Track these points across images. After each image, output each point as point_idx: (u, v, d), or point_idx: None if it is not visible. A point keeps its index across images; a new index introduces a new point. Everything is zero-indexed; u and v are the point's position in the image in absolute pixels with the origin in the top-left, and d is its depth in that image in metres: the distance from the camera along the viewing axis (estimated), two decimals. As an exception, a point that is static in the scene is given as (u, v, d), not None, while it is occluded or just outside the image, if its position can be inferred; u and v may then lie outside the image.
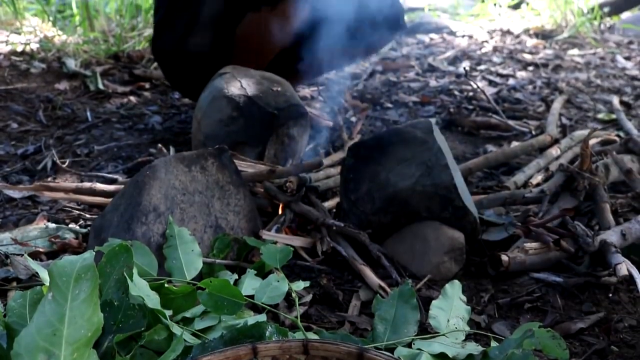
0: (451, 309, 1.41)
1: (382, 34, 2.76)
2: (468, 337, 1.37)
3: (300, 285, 1.52)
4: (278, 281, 1.47)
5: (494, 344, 1.33)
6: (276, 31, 2.43)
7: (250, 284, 1.49)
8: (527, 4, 5.88)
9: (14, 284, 1.57)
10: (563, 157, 2.44)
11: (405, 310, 1.35)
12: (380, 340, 1.31)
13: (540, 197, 1.98)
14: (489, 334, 1.38)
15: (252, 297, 1.42)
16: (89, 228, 1.82)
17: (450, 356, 1.27)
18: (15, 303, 1.20)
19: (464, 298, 1.46)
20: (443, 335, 1.33)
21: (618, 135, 2.74)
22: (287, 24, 2.38)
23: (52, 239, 1.77)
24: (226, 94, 2.13)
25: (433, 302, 1.42)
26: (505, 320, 1.54)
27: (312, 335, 1.30)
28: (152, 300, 1.22)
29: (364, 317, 1.52)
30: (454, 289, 1.46)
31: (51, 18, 4.04)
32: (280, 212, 1.87)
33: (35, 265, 1.34)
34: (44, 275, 1.27)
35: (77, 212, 2.00)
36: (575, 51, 4.72)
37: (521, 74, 4.04)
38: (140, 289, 1.22)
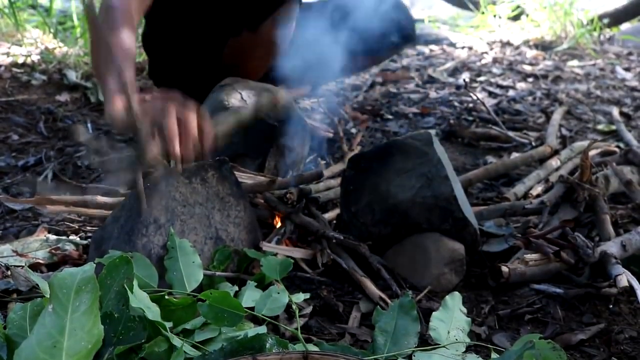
0: (451, 320, 1.41)
1: (394, 44, 2.79)
2: (468, 349, 1.37)
3: (300, 297, 1.52)
4: (278, 293, 1.47)
5: (494, 355, 1.33)
6: (262, 53, 2.43)
7: (250, 296, 1.49)
8: (527, 15, 5.90)
9: (14, 295, 1.57)
10: (563, 169, 2.44)
11: (406, 322, 1.35)
12: (381, 352, 1.30)
13: (540, 209, 1.98)
14: (490, 346, 1.38)
15: (252, 308, 1.42)
16: (89, 240, 1.82)
17: (451, 368, 1.27)
18: (16, 315, 1.20)
19: (464, 309, 1.45)
20: (443, 347, 1.33)
21: (618, 147, 2.74)
22: (273, 44, 2.38)
23: (53, 251, 1.77)
24: (226, 105, 2.14)
25: (433, 313, 1.42)
26: (505, 331, 1.54)
27: (312, 347, 1.30)
28: (152, 312, 1.22)
29: (364, 329, 1.51)
30: (454, 300, 1.46)
31: (52, 30, 4.05)
32: (279, 223, 1.87)
33: (35, 277, 1.34)
34: (45, 287, 1.27)
35: (78, 224, 2.00)
36: (575, 62, 4.73)
37: (521, 85, 4.05)
38: (141, 300, 1.22)
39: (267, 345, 1.19)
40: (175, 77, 2.63)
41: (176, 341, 1.22)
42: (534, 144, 2.85)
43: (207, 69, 2.47)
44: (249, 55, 2.44)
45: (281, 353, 1.14)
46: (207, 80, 2.40)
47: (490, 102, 3.59)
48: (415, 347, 1.31)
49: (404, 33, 2.85)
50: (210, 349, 1.26)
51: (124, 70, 1.52)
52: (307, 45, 2.22)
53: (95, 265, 1.17)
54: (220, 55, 2.47)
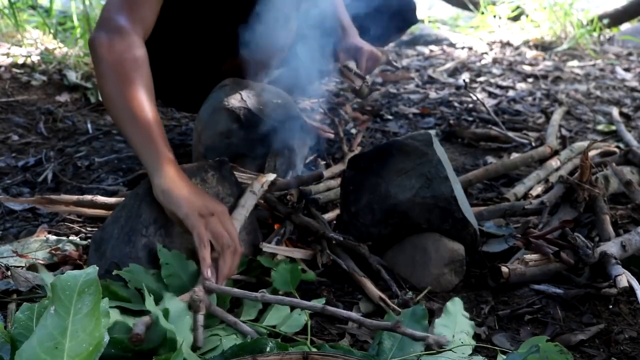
0: (455, 325, 1.41)
1: (395, 27, 2.78)
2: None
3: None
4: (299, 314, 1.47)
5: (499, 357, 1.33)
6: (259, 68, 2.44)
7: (274, 315, 1.49)
8: (527, 15, 5.90)
9: (14, 296, 1.57)
10: (563, 169, 2.44)
11: (415, 330, 1.35)
12: (385, 355, 1.30)
13: (540, 209, 1.98)
14: (494, 347, 1.38)
15: (274, 327, 1.44)
16: (89, 240, 1.82)
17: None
18: (23, 315, 1.20)
19: (467, 314, 1.46)
20: (450, 350, 1.32)
21: (618, 147, 2.74)
22: (272, 60, 2.38)
23: (53, 251, 1.77)
24: (226, 106, 2.14)
25: (436, 320, 1.42)
26: (505, 332, 1.54)
27: (312, 349, 1.30)
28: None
29: (364, 330, 1.51)
30: (455, 306, 1.47)
31: (52, 30, 4.05)
32: (277, 227, 1.87)
33: (43, 276, 1.34)
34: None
35: (78, 224, 2.00)
36: (574, 63, 4.73)
37: (521, 85, 4.05)
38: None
39: (267, 349, 1.20)
40: (170, 82, 2.64)
41: (184, 351, 1.22)
42: (533, 144, 2.85)
43: (203, 79, 2.47)
44: (247, 71, 2.44)
45: (281, 354, 1.14)
46: (204, 85, 2.41)
47: (490, 102, 3.60)
48: (421, 352, 1.30)
49: (405, 15, 2.83)
50: (212, 354, 1.27)
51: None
52: (303, 41, 2.22)
53: (97, 268, 1.17)
54: (218, 69, 2.47)
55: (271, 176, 1.86)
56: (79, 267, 1.69)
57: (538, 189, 2.26)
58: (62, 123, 2.94)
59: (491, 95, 3.83)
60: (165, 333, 1.22)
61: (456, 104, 3.56)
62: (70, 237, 1.89)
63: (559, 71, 4.44)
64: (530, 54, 5.01)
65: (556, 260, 1.72)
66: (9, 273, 1.63)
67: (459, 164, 2.67)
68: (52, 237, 1.85)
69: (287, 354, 1.13)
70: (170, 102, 2.88)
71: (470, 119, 3.28)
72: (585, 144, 2.57)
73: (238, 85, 2.23)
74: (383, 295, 1.59)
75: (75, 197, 1.97)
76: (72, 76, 3.40)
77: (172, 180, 1.59)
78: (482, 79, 4.20)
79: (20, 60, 3.59)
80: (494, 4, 6.15)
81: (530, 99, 3.74)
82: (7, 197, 2.16)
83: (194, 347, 1.29)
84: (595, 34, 5.48)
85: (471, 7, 6.27)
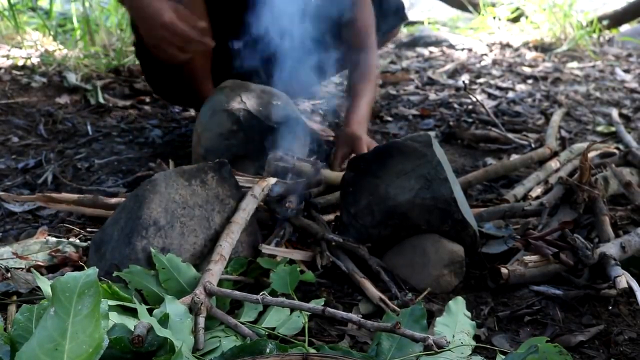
0: (456, 324, 1.41)
1: (384, 27, 2.80)
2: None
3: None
4: (298, 316, 1.47)
5: (499, 357, 1.33)
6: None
7: (274, 316, 1.48)
8: (527, 17, 5.91)
9: (14, 297, 1.57)
10: (562, 170, 2.44)
11: (414, 330, 1.35)
12: (384, 356, 1.30)
13: (539, 210, 1.98)
14: (494, 347, 1.38)
15: (272, 329, 1.43)
16: (89, 242, 1.82)
17: (456, 372, 1.27)
18: (22, 316, 1.20)
19: (469, 314, 1.46)
20: (449, 350, 1.32)
21: (617, 148, 2.75)
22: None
23: (53, 253, 1.77)
24: (226, 108, 2.14)
25: (437, 319, 1.42)
26: (505, 333, 1.54)
27: (312, 351, 1.30)
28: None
29: (364, 331, 1.51)
30: (457, 305, 1.46)
31: (52, 32, 4.06)
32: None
33: (41, 280, 1.35)
34: (49, 290, 1.27)
35: (78, 226, 2.00)
36: (574, 64, 4.73)
37: (520, 87, 4.06)
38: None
39: (267, 350, 1.20)
40: (171, 82, 2.65)
41: (184, 353, 1.22)
42: (533, 145, 2.85)
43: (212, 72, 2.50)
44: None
45: (281, 355, 1.14)
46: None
47: (489, 103, 3.60)
48: (420, 352, 1.30)
49: (393, 15, 2.86)
50: (211, 355, 1.27)
51: None
52: (296, 42, 2.22)
53: (97, 269, 1.17)
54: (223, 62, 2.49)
55: (272, 180, 1.86)
56: (79, 269, 1.69)
57: (538, 190, 2.26)
58: (62, 125, 2.94)
59: (491, 96, 3.83)
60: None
61: (456, 106, 3.56)
62: (70, 239, 1.89)
63: (558, 72, 4.44)
64: (529, 55, 5.02)
65: (556, 262, 1.72)
66: (9, 275, 1.63)
67: (458, 165, 2.67)
68: (52, 239, 1.85)
69: (286, 355, 1.13)
70: (174, 98, 2.89)
71: (470, 120, 3.29)
72: (584, 145, 2.58)
73: (238, 87, 2.23)
74: (383, 297, 1.59)
75: (76, 196, 1.97)
76: (72, 78, 3.40)
77: None
78: (481, 80, 4.21)
79: (20, 62, 3.60)
80: (493, 5, 6.16)
81: (529, 100, 3.75)
82: (9, 194, 2.15)
83: (195, 349, 1.29)
84: (594, 35, 5.49)
85: (471, 8, 6.27)
